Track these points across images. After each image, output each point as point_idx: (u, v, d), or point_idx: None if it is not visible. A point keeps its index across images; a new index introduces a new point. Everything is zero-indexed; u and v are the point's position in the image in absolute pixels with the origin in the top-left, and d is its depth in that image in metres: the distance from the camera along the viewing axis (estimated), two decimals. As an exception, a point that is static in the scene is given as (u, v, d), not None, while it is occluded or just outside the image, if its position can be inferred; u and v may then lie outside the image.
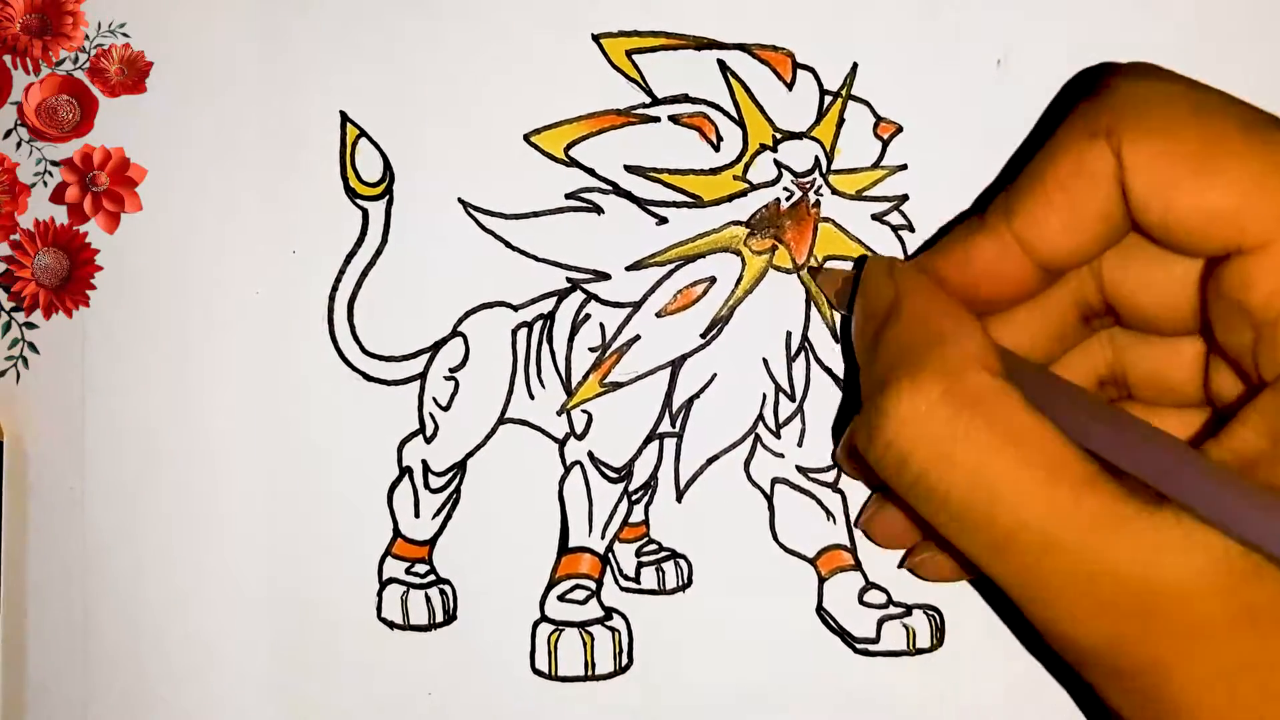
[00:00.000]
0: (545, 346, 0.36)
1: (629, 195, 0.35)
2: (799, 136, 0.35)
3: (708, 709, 0.36)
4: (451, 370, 0.36)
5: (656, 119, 0.35)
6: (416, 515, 0.36)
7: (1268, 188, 0.23)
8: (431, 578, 0.36)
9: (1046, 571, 0.24)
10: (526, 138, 0.36)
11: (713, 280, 0.35)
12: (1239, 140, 0.24)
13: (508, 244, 0.36)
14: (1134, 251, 0.27)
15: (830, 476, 0.36)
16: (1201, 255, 0.25)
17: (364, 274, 0.36)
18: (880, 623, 0.35)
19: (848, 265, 0.35)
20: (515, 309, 0.36)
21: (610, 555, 0.36)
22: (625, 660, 0.36)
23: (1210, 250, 0.24)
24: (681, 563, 0.36)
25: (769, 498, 0.36)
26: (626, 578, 0.36)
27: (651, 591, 0.36)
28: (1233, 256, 0.24)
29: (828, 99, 0.35)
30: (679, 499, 0.36)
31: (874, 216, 0.35)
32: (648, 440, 0.36)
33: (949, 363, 0.25)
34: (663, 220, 0.35)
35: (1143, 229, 0.25)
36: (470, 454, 0.36)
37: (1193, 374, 0.29)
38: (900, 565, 0.35)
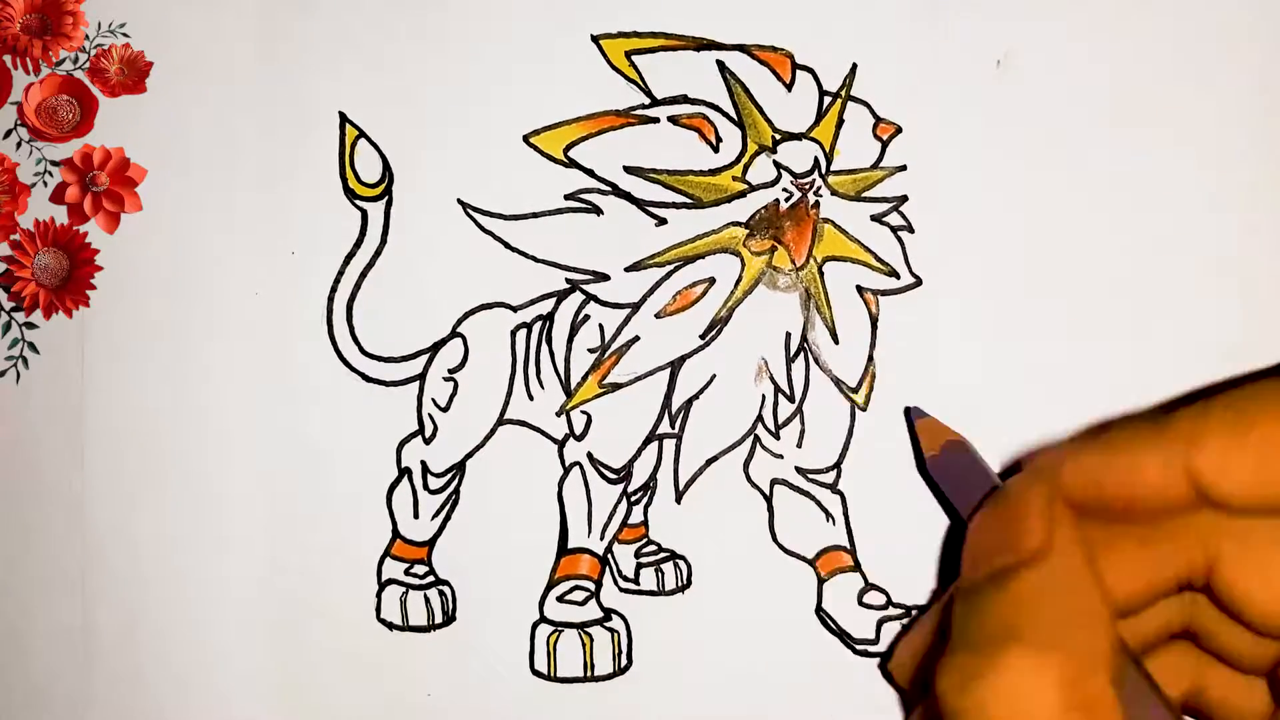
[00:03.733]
0: (544, 347, 0.36)
1: (628, 196, 0.35)
2: (798, 137, 0.35)
3: (707, 709, 0.36)
4: (451, 371, 0.36)
5: (656, 120, 0.35)
6: (415, 516, 0.36)
7: None
8: (430, 579, 0.36)
9: None
10: (526, 139, 0.36)
11: (712, 281, 0.35)
12: None
13: (507, 245, 0.36)
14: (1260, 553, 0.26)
15: (829, 478, 0.36)
16: None
17: (363, 275, 0.36)
18: (879, 624, 0.35)
19: (950, 428, 0.34)
20: (514, 310, 0.36)
21: (609, 556, 0.36)
22: (624, 661, 0.36)
23: None
24: (681, 564, 0.36)
25: (768, 499, 0.36)
26: (626, 579, 0.36)
27: (651, 592, 0.36)
28: None
29: (827, 100, 0.35)
30: (678, 500, 0.36)
31: (873, 217, 0.35)
32: (647, 441, 0.36)
33: (1082, 655, 0.23)
34: (662, 221, 0.35)
35: None
36: (469, 455, 0.36)
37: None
38: None
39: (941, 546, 0.35)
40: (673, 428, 0.36)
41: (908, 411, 0.35)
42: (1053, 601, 0.24)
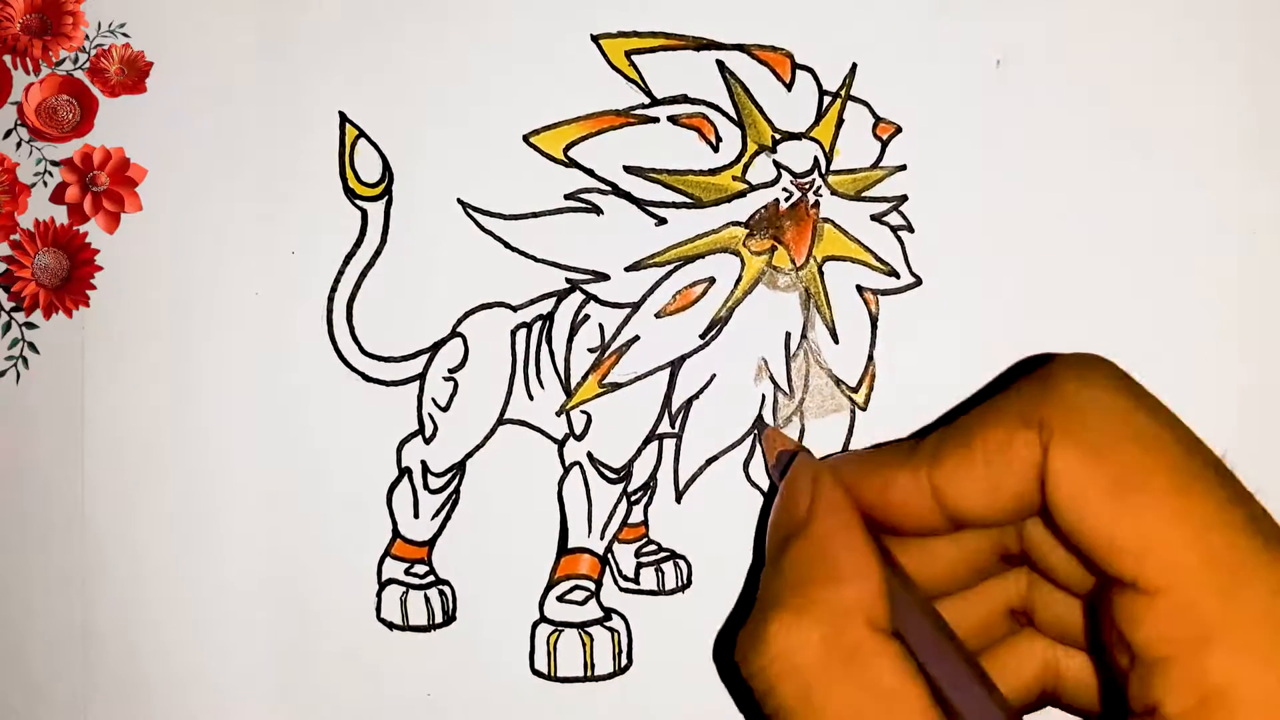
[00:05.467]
0: (544, 347, 0.36)
1: (628, 196, 0.35)
2: (798, 137, 0.35)
3: (707, 709, 0.36)
4: (451, 371, 0.36)
5: (655, 120, 0.35)
6: (416, 516, 0.36)
7: (1174, 537, 0.23)
8: (431, 578, 0.36)
9: None
10: (526, 138, 0.36)
11: (712, 281, 0.35)
12: (1162, 481, 0.24)
13: (507, 244, 0.36)
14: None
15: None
16: (1102, 572, 0.25)
17: (363, 274, 0.36)
18: (879, 623, 0.35)
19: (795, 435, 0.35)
20: (514, 309, 0.36)
21: (610, 556, 0.36)
22: (625, 661, 0.36)
23: (1109, 573, 0.25)
24: (681, 563, 0.36)
25: (768, 498, 0.36)
26: (626, 578, 0.36)
27: (651, 592, 0.36)
28: (1127, 587, 0.24)
29: (827, 99, 0.35)
30: (678, 499, 0.36)
31: (873, 217, 0.35)
32: (647, 441, 0.36)
33: (835, 607, 0.26)
34: (662, 221, 0.35)
35: (1054, 521, 0.26)
36: (469, 455, 0.36)
37: (1084, 629, 0.30)
38: None
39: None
40: (673, 427, 0.36)
41: (757, 424, 0.36)
42: (809, 565, 0.27)
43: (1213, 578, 0.23)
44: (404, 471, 0.36)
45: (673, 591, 0.36)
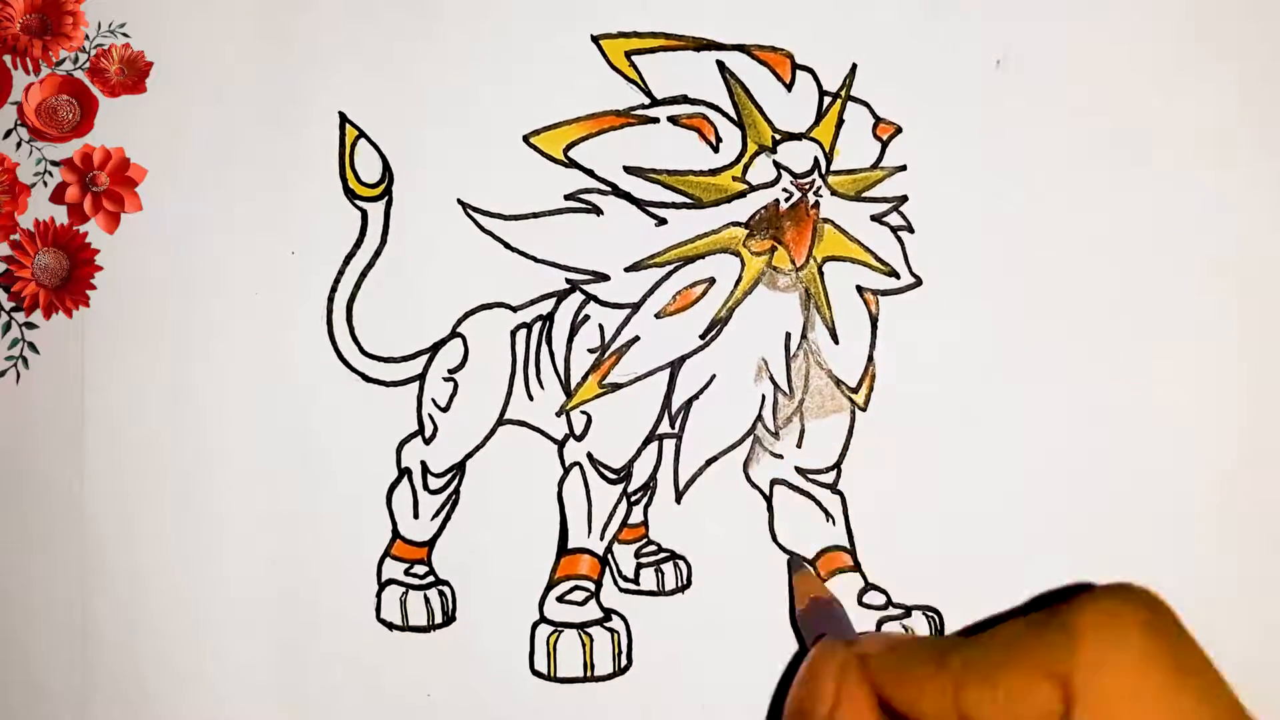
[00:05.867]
0: (544, 347, 0.36)
1: (628, 196, 0.35)
2: (798, 137, 0.35)
3: (707, 710, 0.36)
4: (450, 371, 0.36)
5: (656, 120, 0.35)
6: (415, 516, 0.36)
7: None
8: (430, 579, 0.36)
9: None
10: (526, 139, 0.36)
11: (712, 281, 0.35)
12: None
13: (507, 245, 0.36)
14: None
15: (829, 478, 0.36)
16: None
17: (363, 275, 0.36)
18: (880, 624, 0.35)
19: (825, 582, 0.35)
20: (514, 310, 0.36)
21: (609, 556, 0.36)
22: (624, 661, 0.36)
23: None
24: (680, 564, 0.36)
25: (768, 499, 0.36)
26: (626, 579, 0.36)
27: (651, 592, 0.36)
28: None
29: (827, 100, 0.35)
30: (678, 500, 0.36)
31: (873, 217, 0.35)
32: (647, 441, 0.36)
33: None
34: (662, 221, 0.35)
35: None
36: (469, 455, 0.36)
37: None
38: None
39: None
40: (673, 428, 0.36)
41: (790, 561, 0.36)
42: None
43: None
44: (404, 472, 0.36)
45: (673, 592, 0.36)
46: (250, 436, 0.36)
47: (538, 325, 0.36)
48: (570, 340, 0.36)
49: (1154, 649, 0.25)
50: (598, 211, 0.36)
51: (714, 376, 0.36)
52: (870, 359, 0.35)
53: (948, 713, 0.27)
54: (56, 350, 0.36)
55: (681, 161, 0.35)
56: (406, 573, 0.36)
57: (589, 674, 0.36)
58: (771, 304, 0.36)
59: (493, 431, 0.36)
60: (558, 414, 0.36)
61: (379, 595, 0.36)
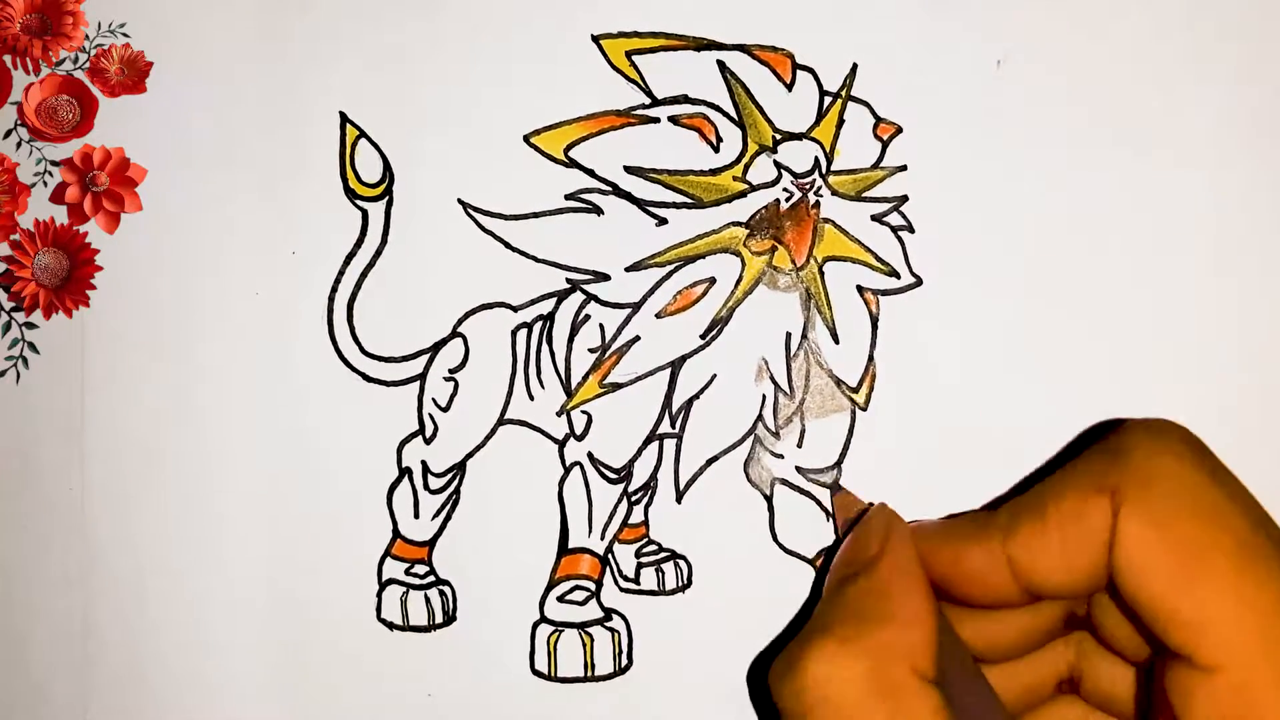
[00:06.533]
0: (545, 347, 0.36)
1: (629, 196, 0.35)
2: (799, 137, 0.35)
3: (707, 710, 0.36)
4: (451, 371, 0.36)
5: (656, 120, 0.35)
6: (416, 516, 0.36)
7: (1234, 617, 0.24)
8: (431, 579, 0.36)
9: None
10: (526, 139, 0.36)
11: (712, 281, 0.35)
12: (1226, 558, 0.24)
13: (507, 245, 0.36)
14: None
15: (830, 478, 0.36)
16: (1160, 643, 0.25)
17: (363, 275, 0.36)
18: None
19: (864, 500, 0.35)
20: (515, 310, 0.36)
21: (610, 556, 0.36)
22: (625, 661, 0.36)
23: (1167, 645, 0.25)
24: (681, 563, 0.36)
25: (768, 498, 0.36)
26: (626, 578, 0.36)
27: (651, 592, 0.36)
28: (1183, 662, 0.24)
29: (827, 100, 0.35)
30: (679, 500, 0.36)
31: (874, 217, 0.35)
32: (647, 441, 0.36)
33: (883, 645, 0.26)
34: (662, 221, 0.35)
35: (1118, 587, 0.26)
36: (470, 455, 0.36)
37: (1136, 698, 0.30)
38: None
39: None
40: (673, 427, 0.36)
41: (833, 486, 0.36)
42: (866, 601, 0.27)
43: (1270, 662, 0.23)
44: (404, 472, 0.36)
45: (673, 592, 0.36)
46: (250, 436, 0.36)
47: (538, 325, 0.36)
48: (571, 340, 0.36)
49: (1197, 454, 0.26)
50: (598, 211, 0.36)
51: (714, 376, 0.36)
52: (871, 359, 0.35)
53: (997, 571, 0.27)
54: (56, 350, 0.36)
55: (682, 161, 0.35)
56: (407, 572, 0.36)
57: (589, 674, 0.36)
58: (772, 304, 0.36)
59: (493, 431, 0.36)
60: (558, 414, 0.36)
61: (379, 595, 0.36)
